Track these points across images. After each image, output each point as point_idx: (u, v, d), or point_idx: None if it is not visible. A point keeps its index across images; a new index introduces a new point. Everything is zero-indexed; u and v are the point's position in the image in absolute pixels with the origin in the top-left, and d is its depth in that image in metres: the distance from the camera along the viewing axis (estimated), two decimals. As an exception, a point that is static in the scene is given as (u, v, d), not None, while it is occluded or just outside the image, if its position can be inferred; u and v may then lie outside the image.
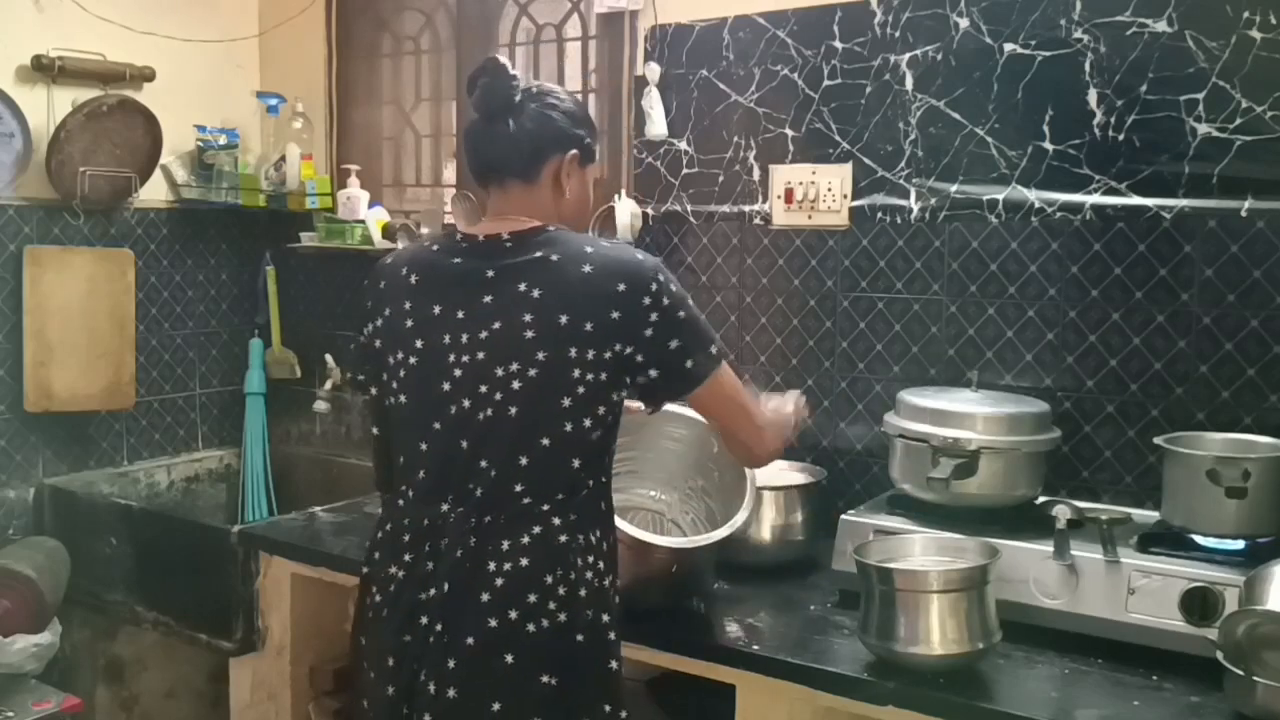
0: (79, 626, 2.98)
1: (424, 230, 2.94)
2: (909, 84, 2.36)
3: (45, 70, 2.92)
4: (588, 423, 1.62)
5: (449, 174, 3.23)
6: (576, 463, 1.63)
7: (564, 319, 1.59)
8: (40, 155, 2.93)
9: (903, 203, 2.38)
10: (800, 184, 2.49)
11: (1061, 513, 1.87)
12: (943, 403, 2.09)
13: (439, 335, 1.65)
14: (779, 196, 2.52)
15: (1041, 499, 2.07)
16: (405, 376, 1.69)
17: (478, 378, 1.62)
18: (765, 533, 2.21)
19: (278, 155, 3.27)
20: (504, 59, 1.73)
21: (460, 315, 1.64)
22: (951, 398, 2.12)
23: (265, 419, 3.46)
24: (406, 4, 3.25)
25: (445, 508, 1.63)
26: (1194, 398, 2.10)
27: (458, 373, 1.63)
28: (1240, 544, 1.85)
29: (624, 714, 1.66)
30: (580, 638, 1.60)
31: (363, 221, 3.12)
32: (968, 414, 2.05)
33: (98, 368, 3.06)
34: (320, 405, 3.27)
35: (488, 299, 1.63)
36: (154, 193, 3.22)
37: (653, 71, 2.65)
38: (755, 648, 1.84)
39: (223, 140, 3.28)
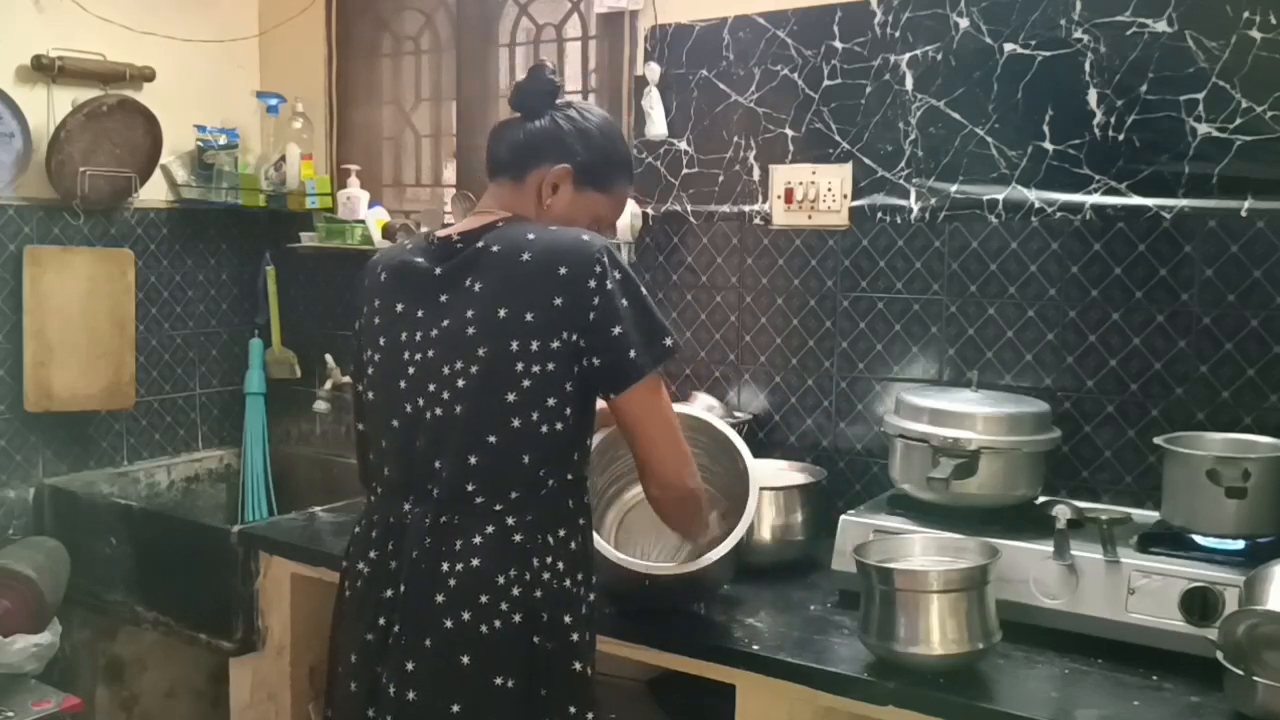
0: (79, 626, 2.98)
1: (424, 230, 2.94)
2: (909, 84, 2.36)
3: (45, 70, 2.92)
4: (535, 416, 1.57)
5: (449, 174, 3.23)
6: (527, 459, 1.58)
7: (503, 312, 1.57)
8: (40, 155, 2.93)
9: (903, 203, 2.38)
10: (800, 184, 2.49)
11: (1061, 513, 1.87)
12: (943, 403, 2.09)
13: (398, 333, 1.68)
14: (779, 196, 2.52)
15: (1041, 499, 2.07)
16: (373, 374, 1.73)
17: (427, 376, 1.62)
18: (765, 533, 2.20)
19: (278, 155, 3.27)
20: (550, 67, 1.75)
21: (419, 314, 1.66)
22: (951, 398, 2.12)
23: (265, 419, 3.46)
24: (406, 4, 3.26)
25: (407, 506, 1.63)
26: (1194, 398, 2.10)
27: (411, 370, 1.65)
28: (1240, 544, 1.85)
29: (590, 715, 1.64)
30: (536, 639, 1.57)
31: (363, 221, 3.12)
32: (968, 414, 2.05)
33: (98, 368, 3.06)
34: (320, 405, 3.26)
35: (443, 297, 1.64)
36: (154, 193, 3.22)
37: (653, 71, 2.65)
38: (755, 648, 1.83)
39: (223, 140, 3.27)
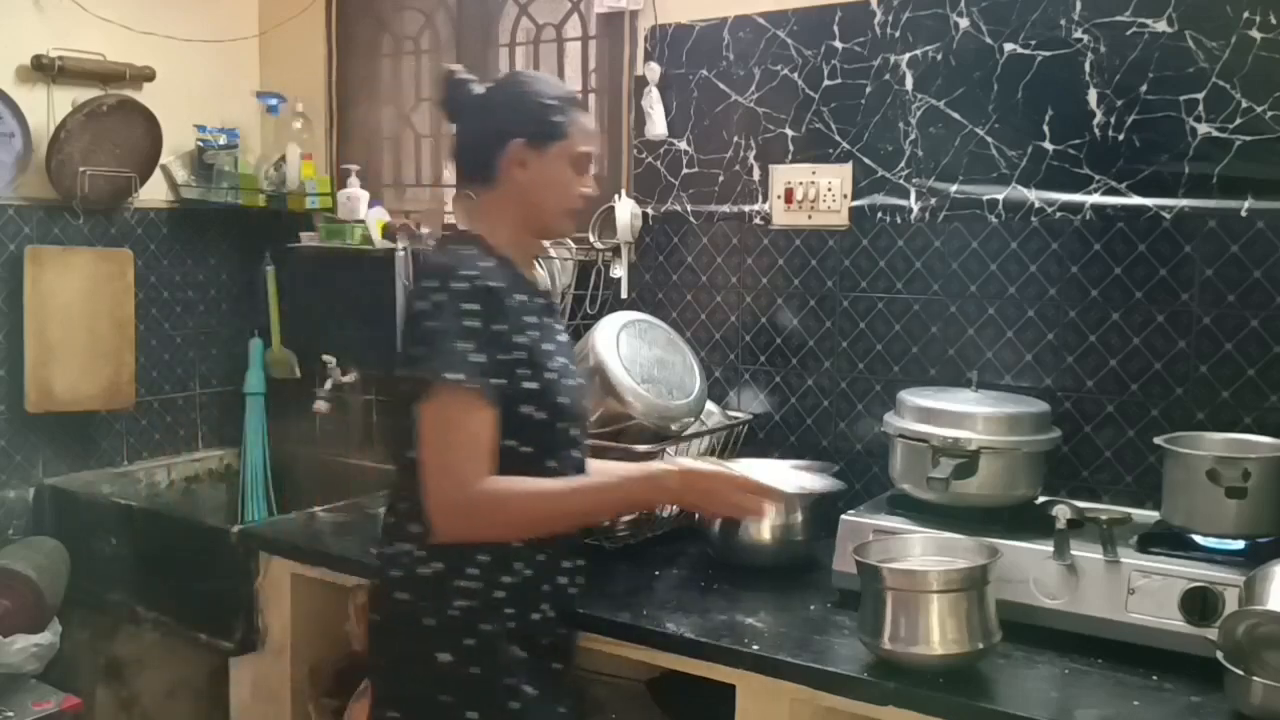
0: (79, 626, 2.97)
1: (424, 230, 2.94)
2: (909, 84, 2.36)
3: (45, 70, 2.92)
4: (413, 419, 1.70)
5: (449, 174, 3.23)
6: (412, 454, 1.71)
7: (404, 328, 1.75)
8: (40, 155, 2.93)
9: (903, 203, 2.38)
10: (800, 184, 2.49)
11: (1061, 513, 1.87)
12: (943, 403, 2.09)
13: None
14: (779, 196, 2.52)
15: (1041, 499, 2.07)
16: None
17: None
18: (765, 533, 2.20)
19: (278, 155, 3.27)
20: (459, 70, 1.79)
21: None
22: (951, 398, 2.12)
23: (265, 419, 3.46)
24: (406, 4, 3.25)
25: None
26: (1194, 398, 2.10)
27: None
28: (1240, 544, 1.85)
29: (473, 715, 1.71)
30: (391, 617, 1.77)
31: (363, 221, 3.12)
32: (968, 414, 2.05)
33: (98, 368, 3.06)
34: (320, 405, 3.26)
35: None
36: (154, 193, 3.22)
37: (653, 71, 2.65)
38: (755, 648, 1.83)
39: (223, 140, 3.28)
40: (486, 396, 1.66)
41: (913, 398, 2.13)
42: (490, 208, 1.80)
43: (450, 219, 2.95)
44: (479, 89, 1.80)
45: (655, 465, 1.91)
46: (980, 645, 1.70)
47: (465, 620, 1.72)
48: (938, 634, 1.68)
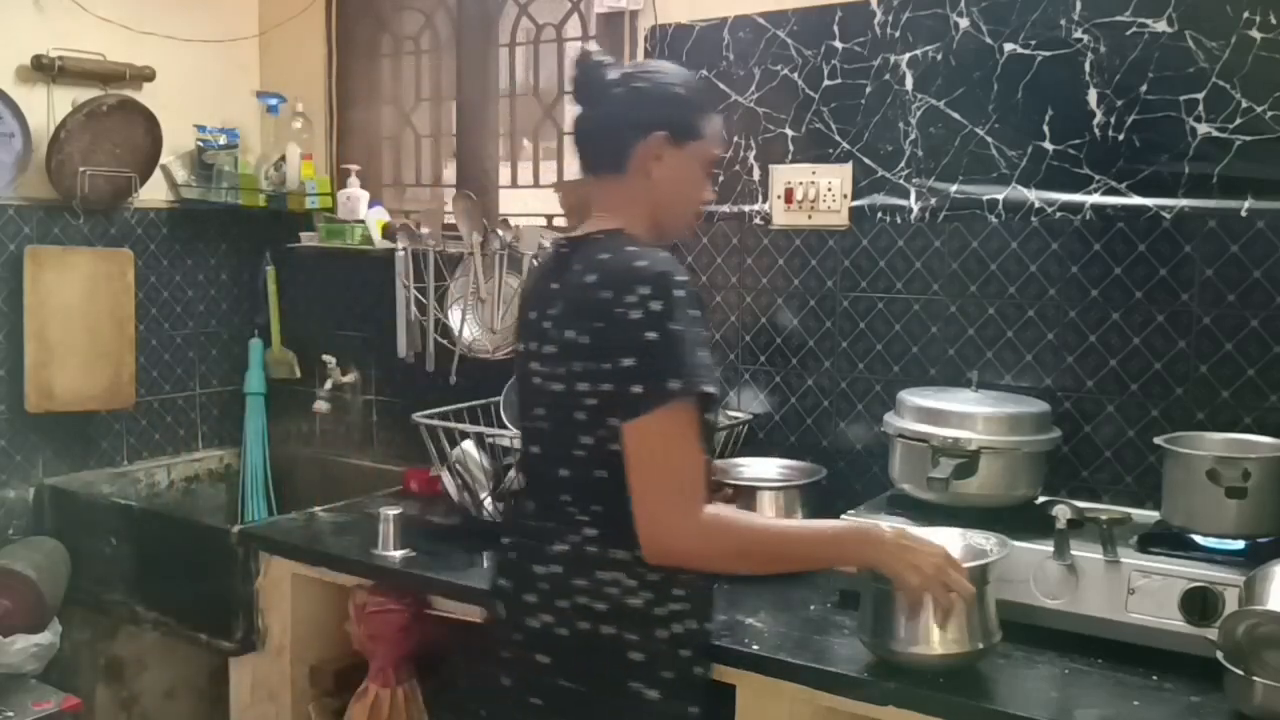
0: (79, 626, 2.97)
1: (424, 230, 2.94)
2: (909, 84, 2.36)
3: (45, 70, 2.92)
4: (602, 434, 1.60)
5: (449, 174, 3.23)
6: (603, 474, 1.62)
7: (570, 334, 1.62)
8: (40, 155, 2.93)
9: (903, 203, 2.38)
10: (800, 184, 2.48)
11: (1061, 513, 1.86)
12: (943, 403, 2.09)
13: (529, 342, 1.73)
14: (779, 196, 2.52)
15: (1041, 499, 2.07)
16: (517, 378, 1.80)
17: (540, 389, 1.69)
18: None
19: (278, 155, 3.27)
20: (596, 53, 1.72)
21: (543, 325, 1.69)
22: (951, 398, 2.12)
23: (265, 419, 3.46)
24: (406, 4, 3.26)
25: (531, 506, 1.75)
26: (1194, 398, 2.10)
27: (534, 381, 1.71)
28: (1240, 544, 1.85)
29: None
30: (593, 651, 1.61)
31: (363, 221, 3.12)
32: (968, 414, 2.05)
33: (98, 368, 3.06)
34: (320, 405, 3.27)
35: (550, 311, 1.69)
36: (154, 193, 3.22)
37: (653, 71, 2.64)
38: (755, 648, 1.83)
39: (223, 140, 3.28)
40: (714, 410, 1.63)
41: (913, 398, 2.13)
42: (618, 199, 1.70)
43: (450, 219, 2.95)
44: (615, 74, 1.70)
45: (866, 522, 1.76)
46: (980, 645, 1.70)
47: (668, 652, 1.63)
48: (937, 634, 1.68)
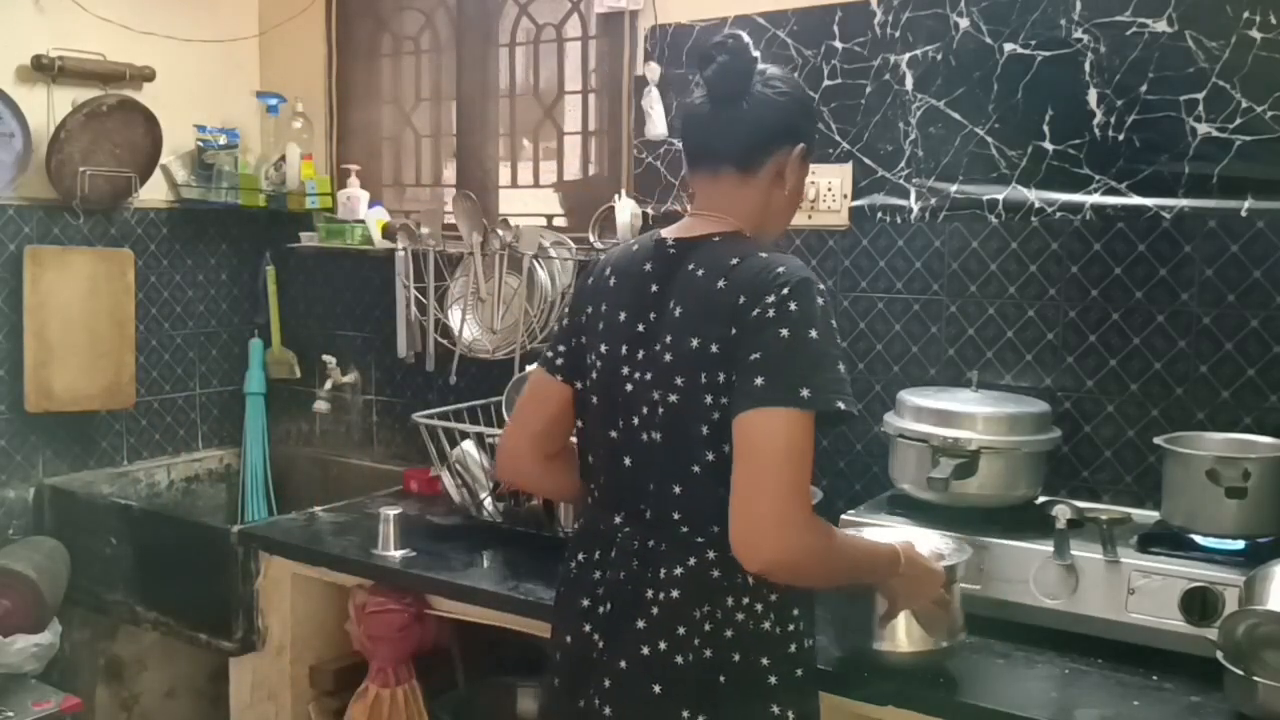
0: (79, 626, 2.97)
1: (424, 230, 2.94)
2: (909, 84, 2.36)
3: (45, 70, 2.92)
4: (727, 450, 1.48)
5: (449, 174, 3.23)
6: (725, 493, 1.47)
7: (695, 342, 1.51)
8: (40, 155, 2.92)
9: (903, 203, 2.38)
10: (800, 184, 2.48)
11: (1061, 513, 1.87)
12: (943, 403, 2.09)
13: (619, 345, 1.61)
14: (779, 196, 2.52)
15: (1041, 499, 2.07)
16: (595, 379, 1.65)
17: (641, 398, 1.57)
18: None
19: (278, 155, 3.27)
20: (746, 37, 1.61)
21: (640, 328, 1.59)
22: (951, 398, 2.12)
23: (265, 419, 3.46)
24: (406, 4, 3.25)
25: (618, 520, 1.61)
26: (1194, 398, 2.10)
27: (629, 388, 1.59)
28: (1240, 544, 1.85)
29: None
30: (723, 679, 1.52)
31: (363, 221, 3.12)
32: (968, 414, 2.05)
33: (98, 368, 3.06)
34: (320, 405, 3.27)
35: (652, 316, 1.58)
36: (154, 193, 3.22)
37: (653, 71, 2.65)
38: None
39: (223, 140, 3.28)
40: (834, 429, 1.57)
41: (913, 398, 2.13)
42: (733, 200, 1.61)
43: (450, 219, 2.95)
44: (767, 73, 1.63)
45: (894, 549, 1.66)
46: (945, 644, 1.71)
47: (795, 672, 1.56)
48: (905, 632, 1.69)
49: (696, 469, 1.52)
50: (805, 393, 1.43)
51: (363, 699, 2.36)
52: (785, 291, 1.46)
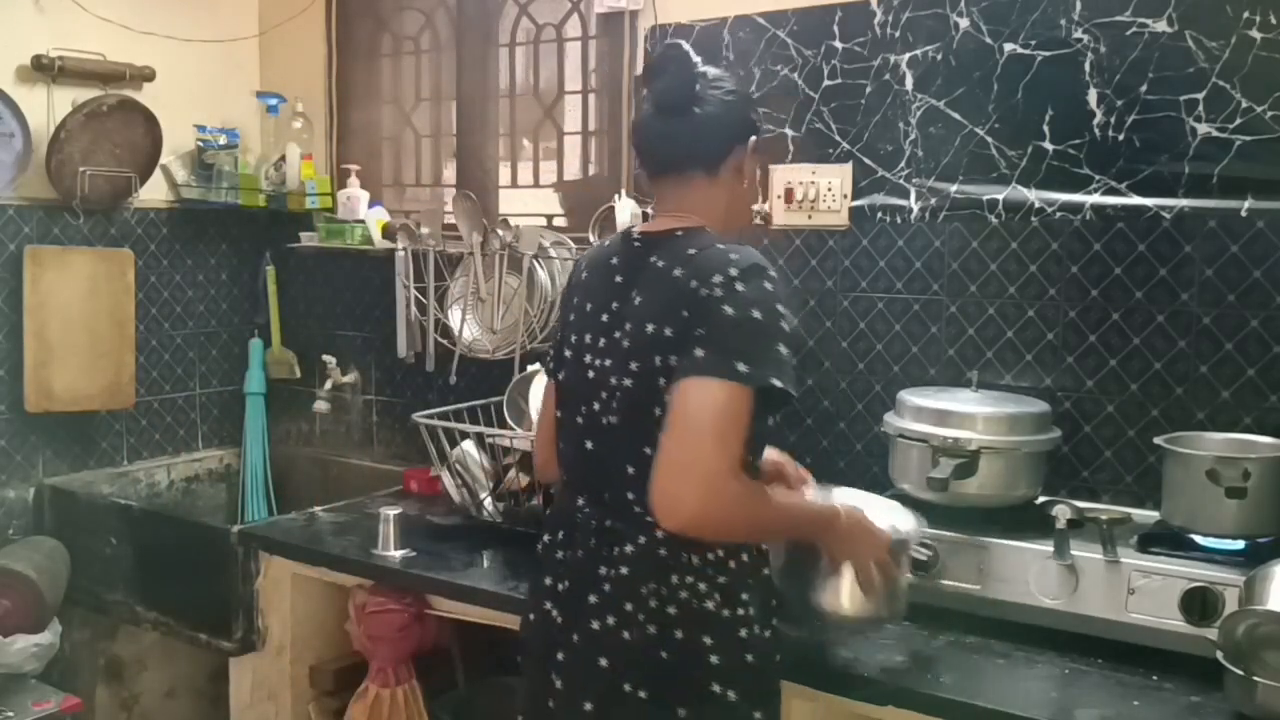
0: (79, 626, 2.97)
1: (424, 230, 2.94)
2: (909, 84, 2.36)
3: (45, 70, 2.92)
4: None
5: (449, 174, 3.23)
6: None
7: (650, 327, 1.57)
8: (40, 155, 2.92)
9: (903, 203, 2.38)
10: (800, 184, 2.48)
11: (1061, 513, 1.87)
12: (943, 403, 2.09)
13: (584, 335, 1.69)
14: (779, 196, 2.52)
15: (1041, 499, 2.07)
16: (566, 372, 1.73)
17: (601, 383, 1.64)
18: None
19: (278, 155, 3.27)
20: (686, 46, 1.66)
21: (603, 318, 1.66)
22: (951, 398, 2.12)
23: (265, 419, 3.46)
24: (406, 4, 3.25)
25: (580, 502, 1.68)
26: (1194, 398, 2.10)
27: (590, 374, 1.66)
28: (1240, 544, 1.85)
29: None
30: (665, 654, 1.56)
31: (363, 221, 3.12)
32: (968, 414, 2.05)
33: (98, 368, 3.06)
34: (320, 405, 3.27)
35: (614, 305, 1.65)
36: (154, 193, 3.22)
37: (653, 71, 2.64)
38: (755, 648, 1.83)
39: (223, 140, 3.28)
40: (777, 413, 1.61)
41: (913, 398, 2.13)
42: (698, 199, 1.67)
43: (450, 219, 2.95)
44: (710, 76, 1.67)
45: (829, 508, 1.71)
46: (884, 615, 1.75)
47: (743, 654, 1.59)
48: (846, 595, 1.72)
49: (649, 450, 1.54)
50: (742, 367, 1.47)
51: (363, 699, 2.36)
52: (734, 273, 1.53)
